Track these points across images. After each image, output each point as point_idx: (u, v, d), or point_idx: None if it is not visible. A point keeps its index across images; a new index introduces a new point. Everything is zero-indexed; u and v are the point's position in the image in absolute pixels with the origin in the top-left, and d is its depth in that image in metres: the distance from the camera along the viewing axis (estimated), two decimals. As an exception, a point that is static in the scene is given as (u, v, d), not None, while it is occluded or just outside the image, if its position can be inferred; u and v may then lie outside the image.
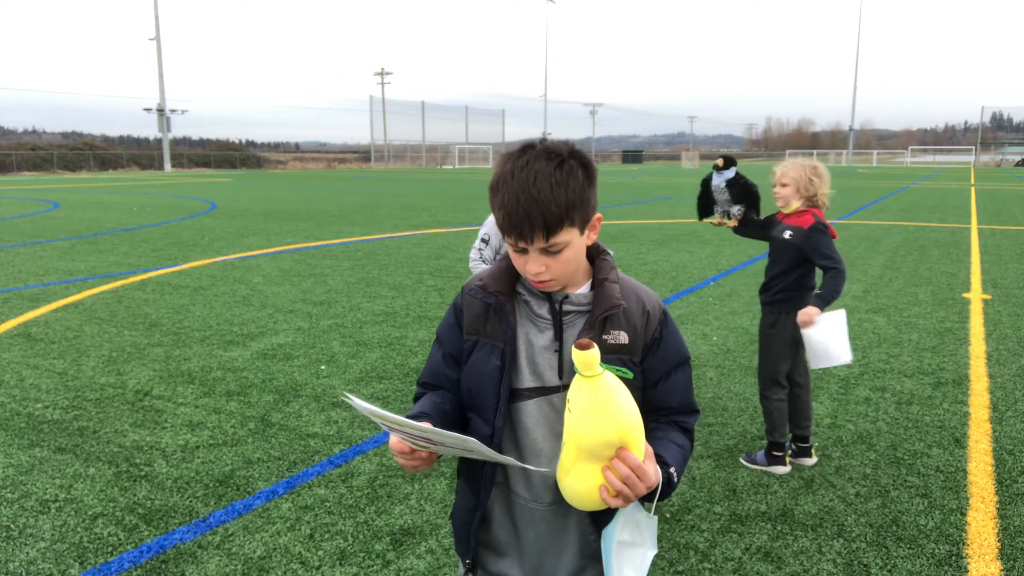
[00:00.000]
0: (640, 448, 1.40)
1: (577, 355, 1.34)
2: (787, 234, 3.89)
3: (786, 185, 3.87)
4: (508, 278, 1.59)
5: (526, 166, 1.44)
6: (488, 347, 1.59)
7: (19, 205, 23.02)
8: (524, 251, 1.48)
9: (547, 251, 1.46)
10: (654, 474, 1.41)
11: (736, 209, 4.21)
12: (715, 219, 4.31)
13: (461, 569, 1.74)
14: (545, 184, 1.42)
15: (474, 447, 1.40)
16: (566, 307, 1.56)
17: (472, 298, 1.62)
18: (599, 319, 1.53)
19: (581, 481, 1.41)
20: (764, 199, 4.27)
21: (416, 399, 1.69)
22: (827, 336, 3.78)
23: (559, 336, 1.56)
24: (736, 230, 4.29)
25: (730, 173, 4.13)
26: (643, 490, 1.38)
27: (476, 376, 1.60)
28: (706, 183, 4.31)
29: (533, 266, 1.48)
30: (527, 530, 1.64)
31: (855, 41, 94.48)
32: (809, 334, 3.78)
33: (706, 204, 4.36)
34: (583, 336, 1.51)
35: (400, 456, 1.48)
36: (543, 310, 1.57)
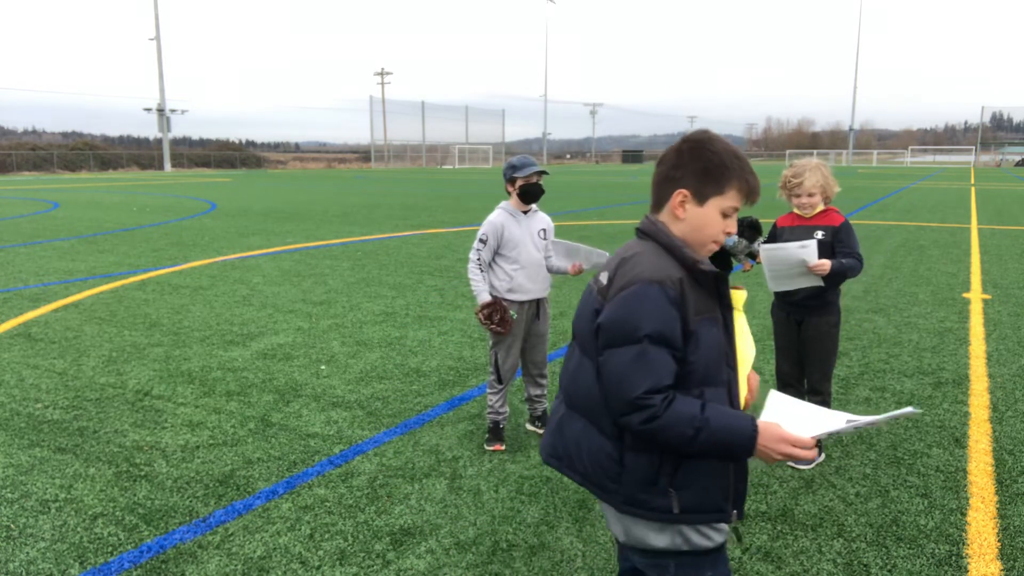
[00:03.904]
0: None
1: (736, 295, 1.91)
2: (820, 235, 4.01)
3: (813, 195, 4.02)
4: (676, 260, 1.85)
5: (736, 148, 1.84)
6: (710, 321, 1.81)
7: (19, 205, 23.02)
8: (735, 212, 1.87)
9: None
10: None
11: (756, 245, 4.28)
12: (745, 266, 4.35)
13: (719, 537, 1.88)
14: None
15: (908, 412, 1.72)
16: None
17: (697, 282, 1.82)
18: None
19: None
20: (764, 203, 4.28)
21: (676, 403, 1.72)
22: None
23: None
24: None
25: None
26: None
27: (708, 350, 1.79)
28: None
29: (732, 226, 1.88)
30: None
31: (855, 41, 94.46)
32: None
33: (722, 262, 4.42)
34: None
35: (806, 451, 1.71)
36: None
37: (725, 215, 1.86)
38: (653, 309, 1.74)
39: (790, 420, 1.80)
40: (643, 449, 1.80)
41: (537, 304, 4.35)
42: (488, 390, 4.41)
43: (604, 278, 1.91)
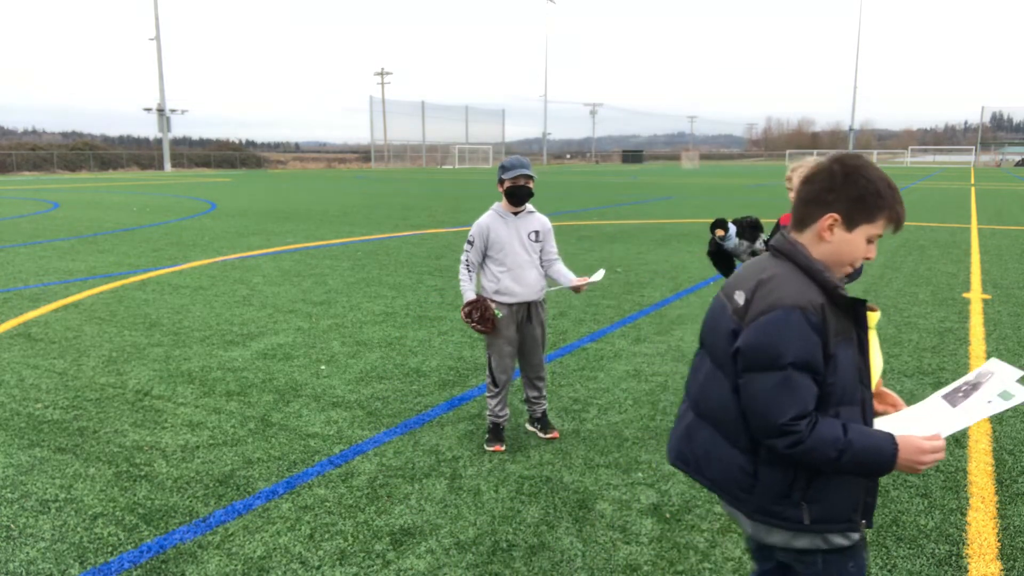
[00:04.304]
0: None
1: (870, 316, 1.87)
2: None
3: None
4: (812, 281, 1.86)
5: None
6: (846, 342, 1.83)
7: (19, 205, 23.02)
8: (877, 239, 1.88)
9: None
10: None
11: (759, 244, 4.28)
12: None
13: (854, 536, 1.93)
14: None
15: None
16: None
17: (835, 305, 1.83)
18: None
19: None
20: (764, 203, 4.28)
21: (819, 426, 1.77)
22: None
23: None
24: None
25: (733, 229, 4.19)
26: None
27: (845, 371, 1.82)
28: (715, 254, 4.36)
29: (872, 252, 1.89)
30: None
31: (855, 41, 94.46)
32: None
33: (722, 264, 4.42)
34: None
35: (943, 452, 1.75)
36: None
37: (869, 241, 1.88)
38: (796, 336, 1.76)
39: (900, 423, 1.86)
40: (778, 464, 1.86)
41: (528, 307, 4.30)
42: (486, 393, 4.41)
43: (740, 298, 1.90)
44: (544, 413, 4.51)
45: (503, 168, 4.21)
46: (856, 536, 1.94)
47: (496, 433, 4.33)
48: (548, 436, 4.44)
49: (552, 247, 4.39)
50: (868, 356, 1.90)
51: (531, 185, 4.21)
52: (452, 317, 7.45)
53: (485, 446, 4.29)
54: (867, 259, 1.90)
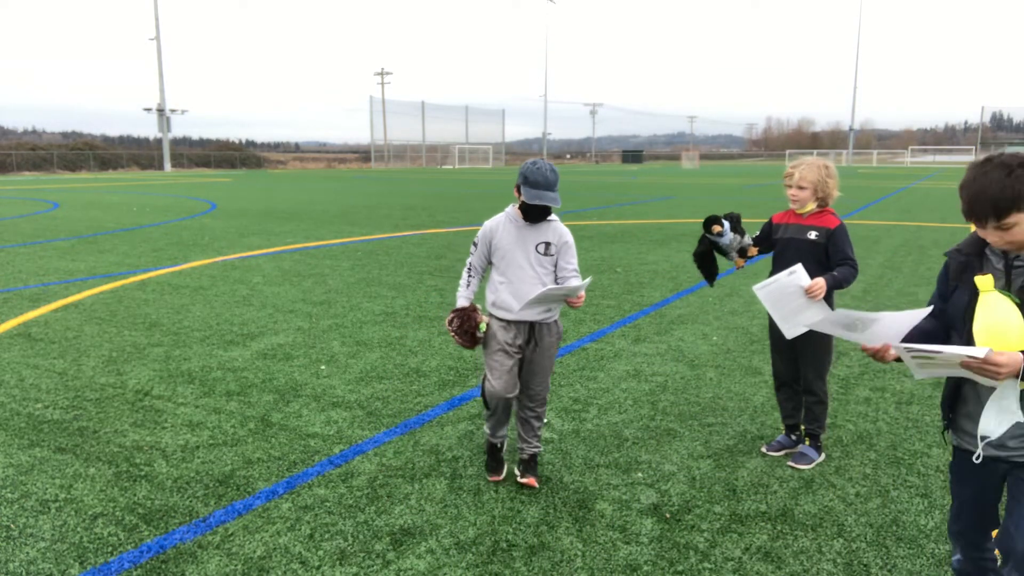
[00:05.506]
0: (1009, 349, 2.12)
1: (981, 280, 2.26)
2: (813, 235, 3.97)
3: (804, 188, 3.97)
4: (978, 245, 2.38)
5: (984, 174, 2.18)
6: (962, 288, 2.37)
7: (19, 205, 23.02)
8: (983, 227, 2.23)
9: (999, 228, 2.17)
10: (1010, 362, 2.07)
11: (747, 239, 4.24)
12: (739, 262, 4.25)
13: (953, 438, 2.49)
14: (995, 185, 2.15)
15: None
16: (1016, 263, 2.27)
17: (953, 258, 2.43)
18: None
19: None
20: (758, 203, 4.25)
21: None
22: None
23: (1008, 283, 2.28)
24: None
25: (727, 225, 4.13)
26: (995, 374, 2.09)
27: (953, 307, 2.40)
28: (703, 255, 4.28)
29: (990, 237, 2.24)
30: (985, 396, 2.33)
31: (855, 41, 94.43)
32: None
33: (708, 267, 4.35)
34: None
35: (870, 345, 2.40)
36: (1000, 264, 2.31)
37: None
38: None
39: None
40: None
41: (530, 328, 3.72)
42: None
43: None
44: (533, 456, 3.89)
45: (526, 180, 3.58)
46: (952, 439, 2.49)
47: (493, 455, 3.95)
48: (524, 480, 3.82)
49: (569, 262, 3.75)
50: (972, 308, 2.32)
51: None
52: (452, 317, 7.45)
53: (485, 471, 3.99)
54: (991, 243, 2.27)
